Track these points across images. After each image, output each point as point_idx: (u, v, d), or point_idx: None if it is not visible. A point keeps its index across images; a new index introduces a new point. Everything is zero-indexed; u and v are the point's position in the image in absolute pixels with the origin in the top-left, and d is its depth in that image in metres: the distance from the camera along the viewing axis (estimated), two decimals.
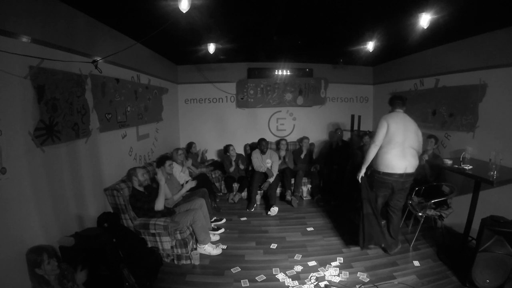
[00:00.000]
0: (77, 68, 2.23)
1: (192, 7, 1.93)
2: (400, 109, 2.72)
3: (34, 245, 1.67)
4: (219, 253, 2.82)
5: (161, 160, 3.10)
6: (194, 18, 2.34)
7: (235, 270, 2.53)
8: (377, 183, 2.67)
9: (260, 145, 4.23)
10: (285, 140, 4.71)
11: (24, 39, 1.72)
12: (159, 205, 2.65)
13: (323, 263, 2.61)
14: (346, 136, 4.88)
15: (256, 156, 4.26)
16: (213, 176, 4.48)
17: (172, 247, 2.61)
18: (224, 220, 3.58)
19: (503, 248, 2.03)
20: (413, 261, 2.62)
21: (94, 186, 2.49)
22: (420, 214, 2.83)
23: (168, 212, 2.76)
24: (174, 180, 3.32)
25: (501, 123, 2.71)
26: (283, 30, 2.92)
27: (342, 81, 5.28)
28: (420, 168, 3.18)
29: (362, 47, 3.44)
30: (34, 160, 1.79)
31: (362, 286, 2.28)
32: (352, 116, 4.67)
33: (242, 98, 5.13)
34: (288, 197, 4.16)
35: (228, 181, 4.42)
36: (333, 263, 2.61)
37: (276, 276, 2.44)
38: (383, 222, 2.83)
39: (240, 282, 2.35)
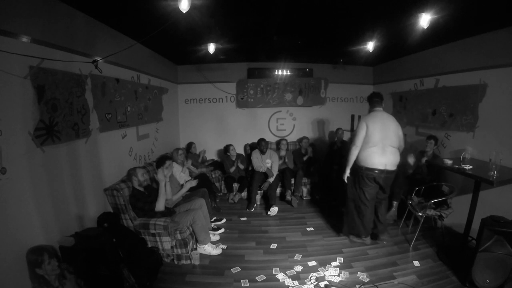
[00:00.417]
0: (77, 68, 2.23)
1: (192, 7, 1.92)
2: (379, 107, 2.80)
3: (34, 245, 1.67)
4: (219, 253, 2.82)
5: (161, 160, 3.10)
6: (194, 18, 2.33)
7: (235, 270, 2.53)
8: (361, 179, 2.77)
9: (260, 145, 4.23)
10: (285, 140, 4.71)
11: (24, 39, 1.72)
12: (160, 206, 2.65)
13: (323, 263, 2.61)
14: (346, 136, 4.88)
15: (256, 156, 4.26)
16: (213, 176, 4.48)
17: (172, 247, 2.61)
18: (224, 220, 3.58)
19: (503, 248, 2.03)
20: (413, 261, 2.62)
21: (94, 186, 2.49)
22: (420, 214, 2.83)
23: (168, 212, 2.76)
24: (174, 180, 3.32)
25: (501, 123, 2.71)
26: (283, 30, 2.92)
27: (342, 81, 5.28)
28: (418, 168, 3.22)
29: (362, 47, 3.44)
30: (34, 160, 1.79)
31: (362, 286, 2.28)
32: (352, 116, 4.65)
33: (242, 98, 5.13)
34: (288, 197, 4.16)
35: (228, 181, 4.42)
36: (333, 263, 2.61)
37: (276, 276, 2.44)
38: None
39: (240, 282, 2.35)
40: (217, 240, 3.09)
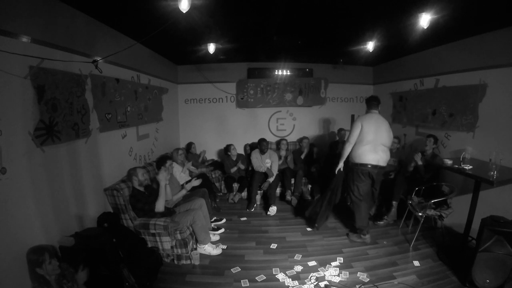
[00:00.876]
0: (77, 68, 2.23)
1: (192, 7, 1.93)
2: (375, 109, 3.02)
3: (35, 245, 1.67)
4: (219, 253, 2.82)
5: (161, 160, 3.10)
6: (194, 18, 2.33)
7: (235, 270, 2.53)
8: (356, 175, 2.94)
9: (261, 145, 4.23)
10: (286, 140, 4.72)
11: (24, 39, 1.72)
12: (160, 206, 2.65)
13: (323, 263, 2.61)
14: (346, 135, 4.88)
15: (255, 156, 4.26)
16: (213, 176, 4.48)
17: (172, 247, 2.61)
18: (224, 220, 3.58)
19: (503, 248, 2.03)
20: (413, 261, 2.62)
21: (94, 186, 2.49)
22: (420, 214, 2.84)
23: (168, 212, 2.76)
24: (174, 181, 3.32)
25: (501, 123, 2.71)
26: (283, 30, 2.92)
27: (342, 81, 5.28)
28: (416, 168, 3.25)
29: (362, 47, 3.44)
30: (34, 160, 1.79)
31: (362, 286, 2.28)
32: (352, 116, 4.66)
33: (242, 98, 5.13)
34: (288, 197, 4.16)
35: (228, 181, 4.42)
36: (333, 263, 2.62)
37: (276, 276, 2.44)
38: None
39: (240, 282, 2.35)
40: (217, 240, 3.09)
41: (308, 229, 3.36)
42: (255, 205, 4.06)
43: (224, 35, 3.04)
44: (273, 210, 3.80)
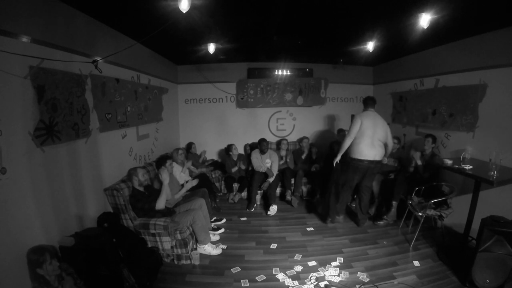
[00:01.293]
0: (77, 68, 2.23)
1: (192, 7, 1.93)
2: (372, 108, 3.31)
3: (36, 245, 1.67)
4: (219, 253, 2.82)
5: (161, 160, 3.10)
6: (194, 18, 2.34)
7: (235, 270, 2.53)
8: (352, 168, 3.22)
9: (261, 145, 4.23)
10: (286, 140, 4.72)
11: (24, 39, 1.72)
12: (160, 204, 2.66)
13: (323, 263, 2.61)
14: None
15: (255, 156, 4.26)
16: (213, 176, 4.48)
17: (172, 247, 2.61)
18: (224, 220, 3.58)
19: (503, 248, 2.04)
20: (413, 261, 2.62)
21: (94, 186, 2.49)
22: (420, 214, 2.84)
23: (168, 212, 2.76)
24: (174, 180, 3.32)
25: (501, 123, 2.71)
26: (283, 30, 2.92)
27: (342, 81, 5.28)
28: (416, 168, 3.26)
29: (362, 47, 3.44)
30: (34, 160, 1.79)
31: (362, 286, 2.28)
32: (352, 116, 4.65)
33: (242, 98, 5.13)
34: (288, 197, 4.16)
35: (228, 181, 4.42)
36: (333, 263, 2.62)
37: (276, 276, 2.44)
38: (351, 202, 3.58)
39: (240, 282, 2.35)
40: (217, 240, 3.09)
41: (308, 229, 3.36)
42: (255, 205, 4.06)
43: (224, 35, 3.04)
44: (273, 209, 3.80)
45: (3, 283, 1.55)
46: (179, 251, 2.62)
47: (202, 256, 2.72)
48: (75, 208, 2.22)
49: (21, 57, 1.64)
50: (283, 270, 2.52)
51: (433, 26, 2.41)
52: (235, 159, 4.55)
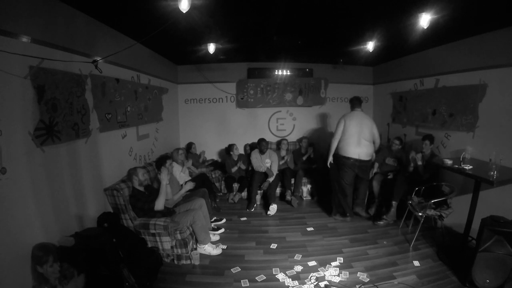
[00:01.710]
0: (77, 68, 2.23)
1: (192, 7, 1.93)
2: (359, 108, 3.48)
3: (43, 242, 1.67)
4: (219, 253, 2.82)
5: (161, 160, 3.10)
6: (194, 18, 2.34)
7: (235, 270, 2.53)
8: (340, 165, 3.45)
9: (260, 145, 4.23)
10: (286, 140, 4.72)
11: (24, 39, 1.72)
12: (159, 204, 2.66)
13: (323, 263, 2.61)
14: None
15: (255, 156, 4.26)
16: (213, 176, 4.48)
17: (172, 247, 2.61)
18: (224, 220, 3.58)
19: (503, 248, 2.03)
20: (413, 261, 2.62)
21: (94, 186, 2.49)
22: (420, 214, 2.83)
23: (168, 212, 2.76)
24: (174, 180, 3.32)
25: (501, 123, 2.71)
26: (283, 30, 2.92)
27: (342, 81, 5.28)
28: (415, 168, 3.27)
29: (362, 47, 3.44)
30: (34, 160, 1.79)
31: (362, 286, 2.28)
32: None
33: (242, 98, 5.13)
34: (288, 197, 4.16)
35: (228, 181, 4.42)
36: (333, 263, 2.62)
37: (276, 276, 2.44)
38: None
39: (240, 282, 2.35)
40: (217, 240, 3.09)
41: (308, 229, 3.36)
42: (255, 205, 4.06)
43: (224, 35, 3.04)
44: (273, 208, 3.80)
45: (3, 283, 1.55)
46: (179, 251, 2.62)
47: (202, 256, 2.72)
48: (75, 208, 2.22)
49: (21, 57, 1.64)
50: (283, 270, 2.52)
51: (433, 26, 2.41)
52: (235, 159, 4.55)
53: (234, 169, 4.47)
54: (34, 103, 1.79)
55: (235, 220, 3.65)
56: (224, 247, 2.93)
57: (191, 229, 2.78)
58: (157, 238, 2.57)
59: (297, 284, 2.33)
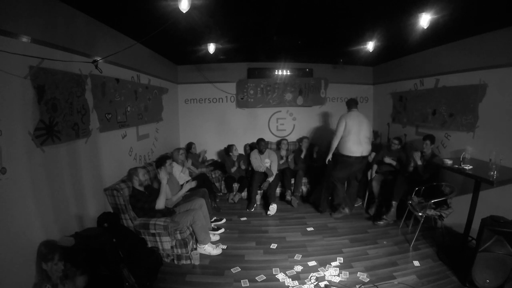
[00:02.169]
0: (77, 68, 2.23)
1: (192, 7, 1.93)
2: (355, 108, 3.62)
3: (49, 239, 1.66)
4: (219, 253, 2.82)
5: (161, 160, 3.10)
6: (194, 18, 2.34)
7: (235, 270, 2.53)
8: (341, 164, 3.54)
9: (259, 145, 4.23)
10: (286, 140, 4.72)
11: (24, 39, 1.72)
12: (160, 204, 2.66)
13: (323, 263, 2.61)
14: None
15: (255, 156, 4.26)
16: (213, 176, 4.48)
17: (172, 247, 2.61)
18: (224, 220, 3.58)
19: (503, 248, 2.04)
20: (413, 261, 2.62)
21: (94, 186, 2.49)
22: (420, 214, 2.84)
23: (168, 212, 2.76)
24: (174, 180, 3.32)
25: (501, 123, 2.71)
26: (283, 30, 2.92)
27: (342, 81, 5.27)
28: (415, 168, 3.27)
29: (362, 47, 3.44)
30: (34, 160, 1.79)
31: (362, 286, 2.28)
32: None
33: (242, 98, 5.13)
34: (288, 197, 4.16)
35: (228, 181, 4.42)
36: (333, 263, 2.62)
37: (276, 276, 2.44)
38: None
39: (240, 282, 2.35)
40: (217, 240, 3.09)
41: (308, 229, 3.36)
42: (255, 205, 4.06)
43: (224, 35, 3.04)
44: (273, 208, 3.80)
45: (3, 283, 1.55)
46: (179, 251, 2.62)
47: (202, 256, 2.72)
48: (75, 208, 2.22)
49: (21, 57, 1.64)
50: (283, 270, 2.52)
51: (433, 26, 2.41)
52: (234, 159, 4.55)
53: (234, 169, 4.47)
54: (34, 103, 1.79)
55: (235, 220, 3.65)
56: (224, 247, 2.93)
57: (191, 229, 2.78)
58: (157, 238, 2.57)
59: (297, 284, 2.33)
